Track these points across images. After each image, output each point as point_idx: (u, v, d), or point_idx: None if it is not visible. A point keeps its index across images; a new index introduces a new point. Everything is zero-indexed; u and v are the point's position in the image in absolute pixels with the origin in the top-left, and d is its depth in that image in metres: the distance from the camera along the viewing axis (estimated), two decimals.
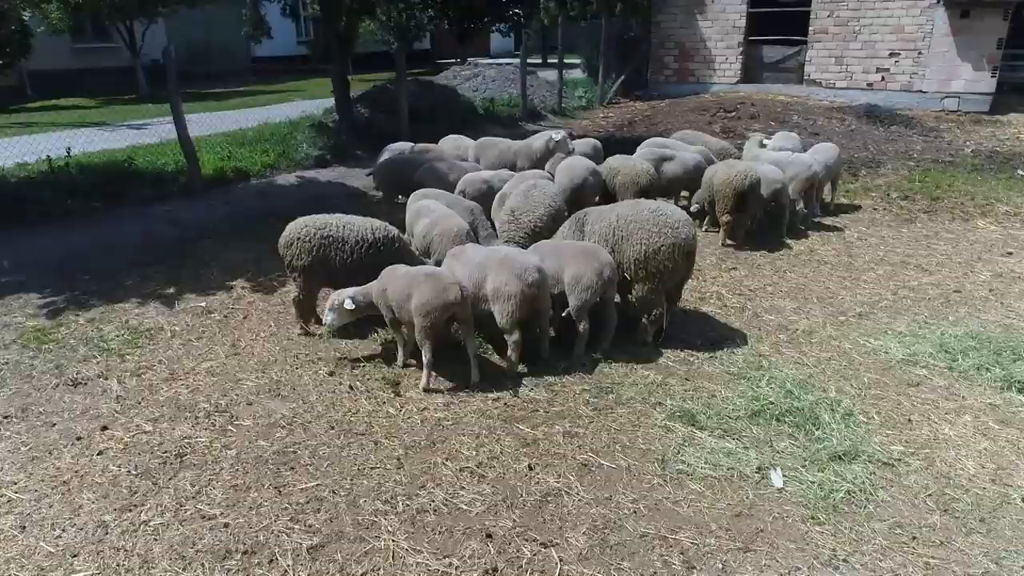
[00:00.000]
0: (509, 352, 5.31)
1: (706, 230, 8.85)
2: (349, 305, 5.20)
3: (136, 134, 14.76)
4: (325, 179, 11.79)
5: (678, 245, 5.56)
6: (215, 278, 7.43)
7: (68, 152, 10.38)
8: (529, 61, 29.22)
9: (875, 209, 10.07)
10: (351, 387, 5.21)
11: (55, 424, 4.78)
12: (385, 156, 9.77)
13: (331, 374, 5.42)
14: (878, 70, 19.15)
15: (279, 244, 5.92)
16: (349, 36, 13.69)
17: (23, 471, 4.26)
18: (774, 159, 8.91)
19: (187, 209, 9.67)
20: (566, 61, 22.58)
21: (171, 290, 7.09)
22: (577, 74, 24.59)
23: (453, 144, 10.21)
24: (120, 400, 5.08)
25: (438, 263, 6.28)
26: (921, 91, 18.63)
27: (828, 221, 9.37)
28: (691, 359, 5.62)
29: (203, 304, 6.76)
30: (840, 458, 4.22)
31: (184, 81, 27.23)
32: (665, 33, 22.03)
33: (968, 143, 14.63)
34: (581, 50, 23.26)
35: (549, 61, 31.33)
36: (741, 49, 20.97)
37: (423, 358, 5.07)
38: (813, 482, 4.03)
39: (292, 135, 13.52)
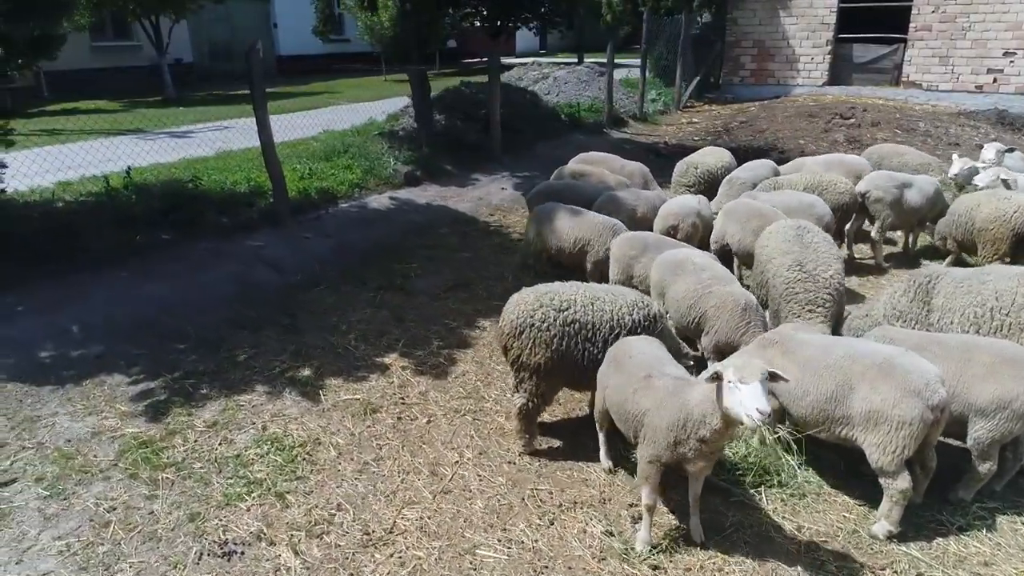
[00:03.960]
0: (886, 508, 3.51)
1: None
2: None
3: (182, 144, 12.92)
4: (423, 201, 9.95)
5: None
6: (355, 350, 5.61)
7: (128, 172, 8.52)
8: (565, 60, 27.47)
9: None
10: (655, 568, 3.40)
11: None
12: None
13: (609, 534, 3.62)
14: (989, 71, 17.37)
15: (501, 331, 4.13)
16: (431, 33, 11.86)
17: None
18: None
19: (279, 244, 7.83)
20: (623, 62, 20.76)
21: (306, 372, 5.26)
22: (637, 74, 22.76)
23: (609, 165, 8.33)
24: None
25: (725, 353, 4.49)
26: None
27: None
28: None
29: (359, 397, 4.94)
30: None
31: (205, 81, 25.69)
32: (742, 31, 20.25)
33: None
34: (650, 49, 21.36)
35: (586, 61, 29.36)
36: (829, 48, 19.19)
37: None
38: None
39: (368, 147, 11.67)
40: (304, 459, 4.24)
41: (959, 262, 6.98)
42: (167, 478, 4.05)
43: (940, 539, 3.57)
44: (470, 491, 3.97)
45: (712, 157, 8.35)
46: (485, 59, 31.70)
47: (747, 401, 2.86)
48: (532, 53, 41.61)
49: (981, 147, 8.75)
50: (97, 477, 4.05)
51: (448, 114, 13.70)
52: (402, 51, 12.07)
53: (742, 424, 2.97)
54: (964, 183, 7.26)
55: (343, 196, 9.60)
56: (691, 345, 4.96)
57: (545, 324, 3.98)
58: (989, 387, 3.52)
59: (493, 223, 9.40)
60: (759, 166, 7.81)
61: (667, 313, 4.86)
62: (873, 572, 3.36)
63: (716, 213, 6.49)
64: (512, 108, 14.29)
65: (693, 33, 20.97)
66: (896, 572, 3.35)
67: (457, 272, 7.37)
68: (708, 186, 8.01)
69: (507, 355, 4.15)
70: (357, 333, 5.87)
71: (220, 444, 4.38)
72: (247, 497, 3.89)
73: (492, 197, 10.49)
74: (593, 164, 8.34)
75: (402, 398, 4.93)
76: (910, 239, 7.69)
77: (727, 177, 7.58)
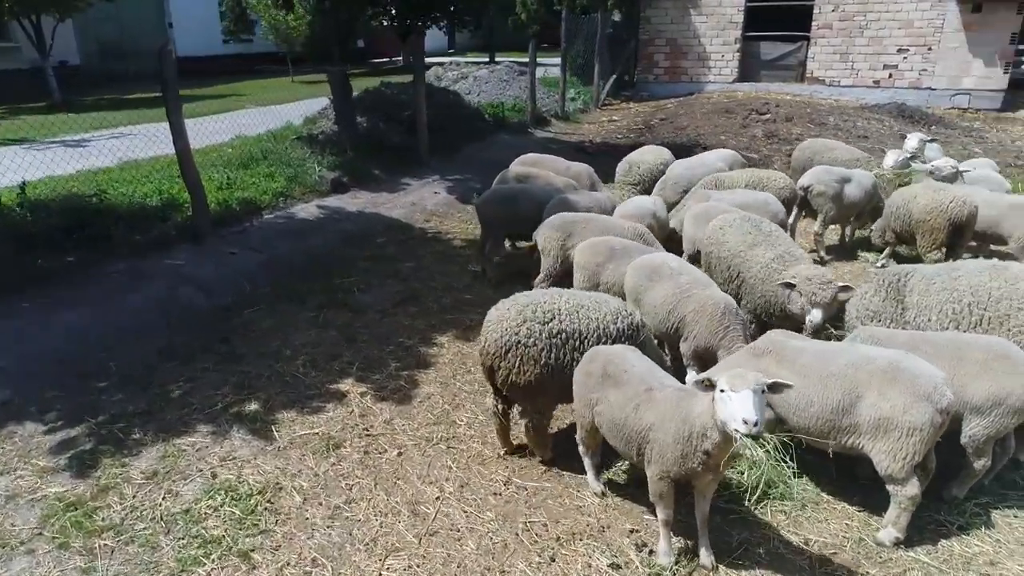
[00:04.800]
0: (893, 515, 3.45)
1: (881, 266, 7.24)
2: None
3: (78, 154, 11.77)
4: (354, 208, 9.44)
5: None
6: (305, 377, 5.14)
7: (22, 188, 7.61)
8: (476, 60, 27.19)
9: None
10: None
11: None
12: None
13: (615, 567, 3.37)
14: (885, 67, 18.38)
15: (486, 352, 3.82)
16: (351, 29, 11.32)
17: None
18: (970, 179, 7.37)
19: (203, 261, 7.18)
20: (539, 60, 20.68)
21: (253, 405, 4.76)
22: (556, 72, 22.78)
23: (553, 166, 8.09)
24: None
25: (704, 359, 4.35)
26: (930, 88, 17.99)
27: None
28: None
29: (317, 431, 4.50)
30: None
31: (96, 86, 23.82)
32: (655, 29, 20.59)
33: (1017, 142, 13.84)
34: (569, 48, 21.39)
35: (497, 60, 29.21)
36: (738, 46, 19.79)
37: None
38: None
39: (288, 153, 11.01)
40: (266, 508, 3.79)
41: (894, 254, 7.20)
42: (105, 545, 3.51)
43: (944, 541, 3.53)
44: (458, 530, 3.64)
45: (652, 155, 8.31)
46: (394, 59, 30.82)
47: (735, 410, 2.72)
48: (440, 52, 41.01)
49: (903, 137, 9.11)
50: (18, 551, 3.46)
51: (369, 116, 13.16)
52: (321, 50, 11.46)
53: (735, 438, 2.80)
54: (900, 172, 7.50)
55: (267, 206, 8.97)
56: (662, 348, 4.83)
57: (531, 338, 3.71)
58: (984, 384, 3.50)
59: (430, 229, 9.03)
60: (697, 164, 7.80)
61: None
62: None
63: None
64: (436, 109, 13.87)
65: (609, 32, 21.15)
66: None
67: (402, 284, 6.97)
68: (651, 184, 7.96)
69: (492, 376, 3.84)
70: (305, 358, 5.39)
71: (164, 498, 3.86)
72: (205, 560, 3.41)
73: (426, 202, 10.10)
74: (536, 166, 8.11)
75: (366, 429, 4.53)
76: (847, 232, 7.89)
77: (663, 177, 7.53)
